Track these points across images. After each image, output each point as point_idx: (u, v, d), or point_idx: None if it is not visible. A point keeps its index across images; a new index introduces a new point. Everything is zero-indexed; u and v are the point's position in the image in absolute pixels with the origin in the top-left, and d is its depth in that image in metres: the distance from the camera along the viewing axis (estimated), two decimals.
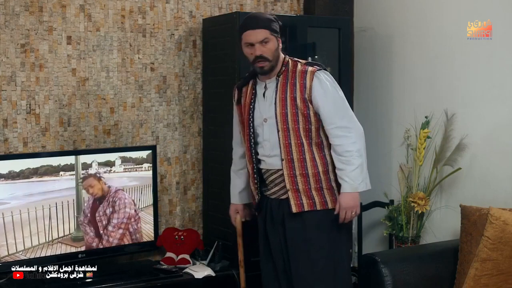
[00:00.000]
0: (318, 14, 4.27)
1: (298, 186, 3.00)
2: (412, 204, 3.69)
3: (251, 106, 3.09)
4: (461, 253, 3.25)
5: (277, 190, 3.08)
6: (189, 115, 4.10)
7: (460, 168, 3.66)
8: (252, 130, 3.09)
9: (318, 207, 3.00)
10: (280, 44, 3.03)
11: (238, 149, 3.31)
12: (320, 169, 3.01)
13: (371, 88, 4.35)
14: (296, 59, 3.10)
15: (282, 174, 3.03)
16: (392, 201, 4.01)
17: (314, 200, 3.00)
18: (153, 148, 3.79)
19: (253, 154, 3.10)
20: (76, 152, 3.60)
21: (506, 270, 3.04)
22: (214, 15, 4.12)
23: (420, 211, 3.70)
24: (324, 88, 2.98)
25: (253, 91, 3.11)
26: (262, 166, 3.11)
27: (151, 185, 3.76)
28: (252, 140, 3.09)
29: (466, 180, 3.70)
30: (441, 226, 3.83)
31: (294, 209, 3.00)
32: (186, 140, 4.10)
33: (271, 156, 3.05)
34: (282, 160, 3.01)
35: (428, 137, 3.75)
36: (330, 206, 3.02)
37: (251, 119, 3.08)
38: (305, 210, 3.00)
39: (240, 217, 3.32)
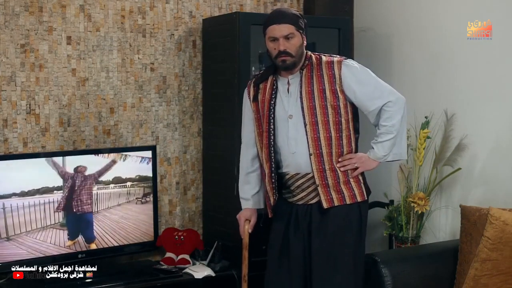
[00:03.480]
0: (318, 14, 4.26)
1: (328, 181, 2.93)
2: (412, 204, 3.69)
3: (272, 102, 2.99)
4: (461, 253, 3.25)
5: (305, 195, 2.98)
6: (189, 115, 4.10)
7: (460, 168, 3.66)
8: (272, 126, 2.98)
9: (348, 201, 2.96)
10: (305, 42, 2.95)
11: (249, 150, 3.15)
12: None
13: None
14: (318, 53, 3.04)
15: (310, 178, 2.95)
16: (392, 201, 4.01)
17: (343, 194, 2.95)
18: (153, 148, 3.79)
19: (271, 152, 2.99)
20: (76, 152, 3.61)
21: (506, 270, 3.04)
22: (214, 15, 4.12)
23: (420, 211, 3.70)
24: (354, 73, 2.94)
25: (274, 87, 3.01)
26: (285, 170, 3.00)
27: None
28: (272, 137, 2.99)
29: (466, 180, 3.70)
30: (441, 226, 3.83)
31: (324, 205, 2.92)
32: (186, 140, 4.10)
33: (295, 153, 2.95)
34: (310, 155, 2.92)
35: (428, 137, 3.74)
36: (359, 199, 2.98)
37: (272, 115, 2.98)
38: (335, 205, 2.94)
39: (249, 227, 3.13)
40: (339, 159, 2.95)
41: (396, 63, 4.18)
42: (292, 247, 3.01)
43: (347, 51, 4.01)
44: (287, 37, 2.89)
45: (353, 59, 4.15)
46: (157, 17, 3.96)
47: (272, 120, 2.98)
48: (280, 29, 2.88)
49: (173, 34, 4.02)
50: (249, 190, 3.15)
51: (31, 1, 3.58)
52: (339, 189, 2.95)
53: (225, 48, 3.81)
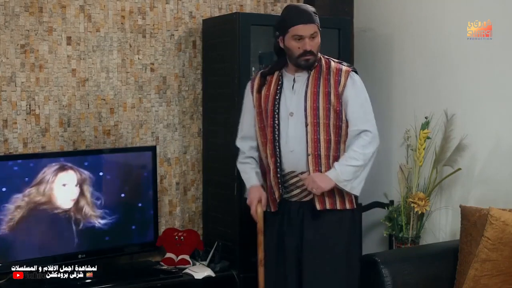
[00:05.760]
0: (318, 14, 4.24)
1: None
2: (412, 205, 3.69)
3: (277, 97, 3.02)
4: (461, 254, 3.25)
5: (299, 193, 3.01)
6: (189, 116, 4.10)
7: (460, 169, 3.66)
8: (277, 121, 3.00)
9: (338, 207, 2.99)
10: None
11: (248, 142, 3.16)
12: None
13: (371, 89, 4.28)
14: (327, 56, 3.10)
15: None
16: (392, 202, 4.01)
17: (334, 199, 2.98)
18: (153, 148, 3.79)
19: (276, 147, 3.01)
20: (76, 153, 3.61)
21: (506, 270, 3.04)
22: (214, 16, 4.12)
23: (420, 212, 3.69)
24: (356, 89, 3.00)
25: (280, 82, 3.04)
26: (282, 166, 3.02)
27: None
28: (277, 132, 3.01)
29: (466, 180, 3.69)
30: (441, 226, 3.83)
31: (318, 206, 2.95)
32: (186, 141, 4.10)
33: (294, 151, 2.97)
34: (308, 155, 2.94)
35: (428, 138, 3.74)
36: (347, 206, 3.01)
37: (277, 110, 3.01)
38: (327, 208, 2.96)
39: (262, 206, 3.05)
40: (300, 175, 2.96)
41: (396, 63, 4.18)
42: (286, 241, 3.04)
43: (347, 52, 4.02)
44: (312, 37, 2.95)
45: (353, 59, 4.21)
46: (157, 18, 3.96)
47: (276, 116, 3.01)
48: (307, 29, 2.95)
49: (173, 35, 4.02)
50: (251, 169, 3.15)
51: (31, 2, 3.58)
52: (331, 194, 2.98)
53: (225, 49, 3.81)
